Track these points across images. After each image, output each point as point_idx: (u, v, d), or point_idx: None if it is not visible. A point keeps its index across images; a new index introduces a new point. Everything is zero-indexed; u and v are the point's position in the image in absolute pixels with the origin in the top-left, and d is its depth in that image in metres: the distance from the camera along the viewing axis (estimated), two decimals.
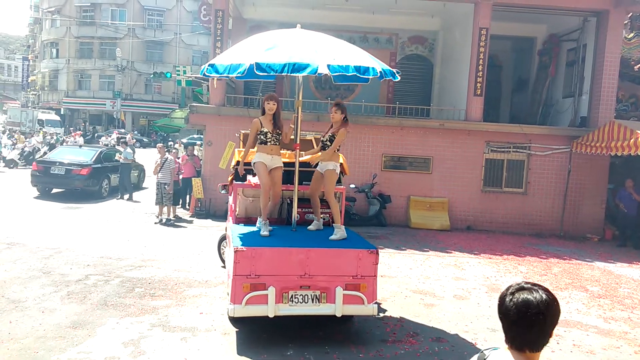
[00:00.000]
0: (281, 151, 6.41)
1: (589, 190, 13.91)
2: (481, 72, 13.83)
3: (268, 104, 6.20)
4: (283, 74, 5.62)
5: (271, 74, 5.57)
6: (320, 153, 6.41)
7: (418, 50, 18.55)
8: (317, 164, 6.43)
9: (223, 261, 8.62)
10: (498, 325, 6.53)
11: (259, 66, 5.40)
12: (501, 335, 6.39)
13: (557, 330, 6.36)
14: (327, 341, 5.78)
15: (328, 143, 6.27)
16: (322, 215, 6.49)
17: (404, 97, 17.31)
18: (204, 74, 6.08)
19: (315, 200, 6.43)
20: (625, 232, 13.02)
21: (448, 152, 13.87)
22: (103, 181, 15.87)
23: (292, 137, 6.42)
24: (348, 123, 6.36)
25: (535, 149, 13.90)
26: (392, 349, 5.69)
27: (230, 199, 7.52)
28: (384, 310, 6.94)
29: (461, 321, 6.68)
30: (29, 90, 61.09)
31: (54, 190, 16.00)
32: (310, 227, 6.40)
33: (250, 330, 5.96)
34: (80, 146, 19.57)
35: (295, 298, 5.55)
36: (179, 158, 14.33)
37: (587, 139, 13.00)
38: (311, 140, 7.14)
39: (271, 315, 5.47)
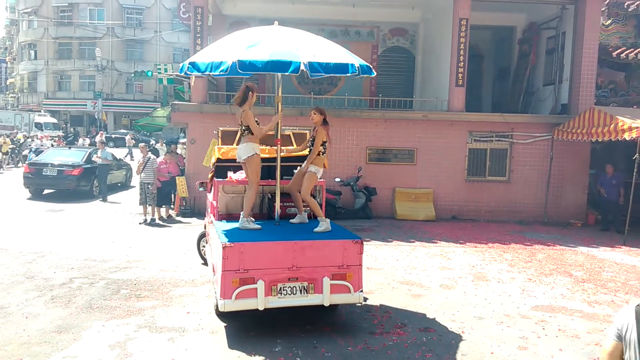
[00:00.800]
0: (261, 147, 6.45)
1: (571, 176, 14.07)
2: (462, 63, 13.89)
3: (255, 93, 6.34)
4: (265, 72, 5.70)
5: (253, 72, 5.62)
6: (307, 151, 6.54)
7: (399, 43, 18.56)
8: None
9: (203, 259, 8.67)
10: (485, 313, 6.63)
11: (241, 64, 5.45)
12: (487, 322, 6.41)
13: (542, 316, 6.49)
14: (315, 335, 5.79)
15: (309, 144, 6.53)
16: (304, 209, 6.57)
17: (387, 90, 17.33)
18: (185, 73, 6.06)
19: (296, 195, 6.51)
20: (607, 217, 13.20)
21: (432, 143, 13.93)
22: (94, 181, 15.89)
23: (272, 132, 6.45)
24: (328, 125, 6.49)
25: (518, 138, 14.02)
26: (380, 340, 5.71)
27: (210, 196, 7.58)
28: (366, 299, 6.96)
29: (448, 310, 6.73)
30: (7, 92, 60.07)
31: (46, 191, 16.35)
32: (294, 220, 6.51)
33: (239, 328, 5.94)
34: (70, 147, 19.52)
35: (283, 290, 5.65)
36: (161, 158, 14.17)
37: (568, 125, 13.14)
38: (289, 135, 7.14)
39: (261, 308, 5.54)
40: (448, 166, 13.96)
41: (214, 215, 6.98)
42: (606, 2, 15.37)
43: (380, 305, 6.88)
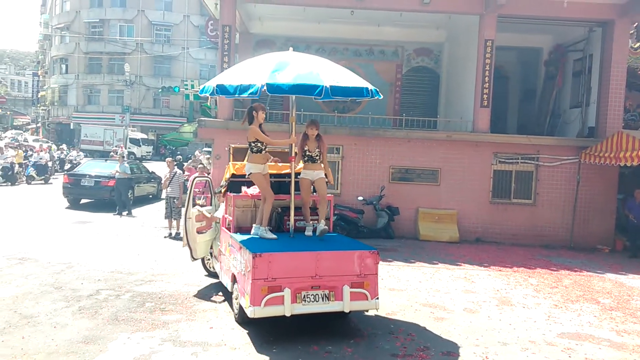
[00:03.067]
0: (270, 163, 7.16)
1: (598, 201, 13.84)
2: (487, 84, 13.87)
3: (262, 112, 6.95)
4: (291, 95, 6.40)
5: (280, 94, 6.20)
6: (301, 162, 7.16)
7: (424, 62, 18.64)
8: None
9: (208, 271, 8.87)
10: (509, 338, 6.55)
11: (270, 87, 5.96)
12: (512, 348, 6.35)
13: (568, 343, 6.39)
14: (337, 356, 5.77)
15: (311, 157, 7.04)
16: (311, 222, 7.16)
17: (411, 109, 17.38)
18: (212, 93, 6.43)
19: (308, 208, 7.15)
20: (636, 243, 12.92)
21: (456, 164, 13.86)
22: (127, 192, 16.30)
23: (286, 149, 7.29)
24: (322, 137, 7.19)
25: (544, 160, 13.87)
26: None
27: (220, 210, 8.15)
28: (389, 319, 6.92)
29: (472, 335, 6.65)
30: (39, 105, 61.81)
31: (83, 201, 17.28)
32: (308, 233, 7.04)
33: (260, 345, 5.97)
34: (106, 160, 20.23)
35: (307, 297, 6.06)
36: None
37: (595, 149, 12.96)
38: (297, 152, 7.43)
39: (288, 314, 5.92)
40: (472, 187, 13.86)
41: (228, 229, 7.37)
42: (634, 25, 15.25)
43: (403, 327, 6.83)
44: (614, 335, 6.90)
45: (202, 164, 13.77)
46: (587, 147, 13.38)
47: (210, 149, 21.63)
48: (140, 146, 40.44)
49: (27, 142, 38.96)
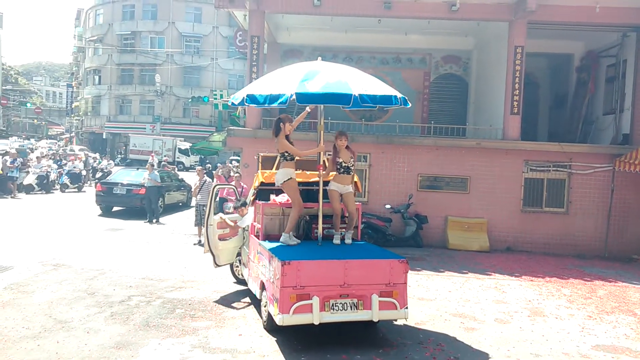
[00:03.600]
0: (297, 171, 7.21)
1: (634, 209, 13.46)
2: (517, 90, 13.68)
3: (289, 124, 7.00)
4: (321, 104, 6.51)
5: (310, 104, 6.37)
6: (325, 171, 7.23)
7: (452, 70, 18.52)
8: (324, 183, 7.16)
9: (236, 278, 8.94)
10: (542, 350, 6.40)
11: (299, 96, 6.04)
12: None
13: (603, 356, 6.23)
14: None
15: (349, 166, 7.12)
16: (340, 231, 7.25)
17: (439, 117, 17.26)
18: (243, 103, 6.52)
19: (339, 217, 7.18)
20: None
21: (486, 172, 13.68)
22: (157, 199, 16.53)
23: (314, 158, 7.32)
24: (350, 147, 7.27)
25: (576, 168, 13.58)
26: None
27: (247, 218, 8.29)
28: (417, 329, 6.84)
29: (503, 346, 6.52)
30: (72, 115, 63.57)
31: (115, 209, 17.68)
32: (336, 241, 7.08)
33: (289, 354, 5.97)
34: (138, 168, 20.67)
35: (336, 306, 6.05)
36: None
37: (630, 157, 12.62)
38: (324, 160, 7.54)
39: (316, 323, 5.92)
40: (503, 196, 13.65)
41: (257, 236, 7.45)
42: None
43: (433, 337, 6.75)
44: None
45: (238, 173, 13.87)
46: (622, 155, 13.04)
47: (238, 158, 21.91)
48: (189, 156, 41.08)
49: (74, 151, 39.90)
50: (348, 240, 7.21)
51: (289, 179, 6.89)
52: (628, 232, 13.46)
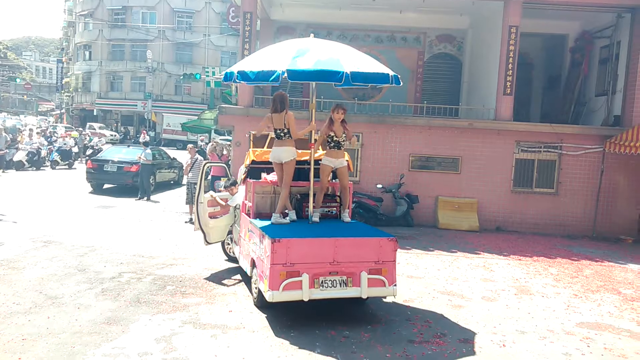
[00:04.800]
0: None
1: (622, 191, 13.59)
2: (511, 71, 13.65)
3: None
4: (312, 81, 6.43)
5: (301, 80, 6.28)
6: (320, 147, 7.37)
7: (446, 49, 18.39)
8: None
9: (228, 256, 9.00)
10: (527, 327, 6.51)
11: (291, 73, 6.01)
12: (530, 337, 6.34)
13: (587, 333, 6.34)
14: (354, 341, 5.82)
15: (334, 142, 7.10)
16: (328, 210, 7.35)
17: (432, 97, 17.21)
18: (234, 81, 6.46)
19: (322, 194, 7.20)
20: None
21: (477, 152, 13.72)
22: (149, 177, 16.49)
23: (305, 137, 7.23)
24: (346, 123, 7.19)
25: (567, 149, 13.64)
26: (419, 349, 5.70)
27: (238, 196, 8.23)
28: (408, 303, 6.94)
29: (489, 323, 6.64)
30: (62, 92, 62.81)
31: (105, 186, 17.57)
32: (315, 219, 7.05)
33: (279, 329, 6.05)
34: (129, 145, 20.57)
35: (325, 283, 6.15)
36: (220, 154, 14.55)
37: (620, 138, 12.70)
38: (316, 139, 7.47)
39: (306, 299, 6.02)
40: (493, 176, 13.72)
41: (247, 214, 7.47)
42: None
43: (420, 314, 6.85)
44: (634, 326, 6.82)
45: (227, 149, 13.81)
46: (612, 136, 13.11)
47: (224, 137, 21.80)
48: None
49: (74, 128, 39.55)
50: (346, 219, 7.26)
51: (293, 158, 6.91)
52: (616, 213, 13.60)
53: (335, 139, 7.10)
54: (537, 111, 17.94)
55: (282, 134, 6.94)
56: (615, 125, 13.76)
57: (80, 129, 38.11)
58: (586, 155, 13.62)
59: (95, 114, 49.46)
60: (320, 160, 7.23)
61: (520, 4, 13.48)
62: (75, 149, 24.98)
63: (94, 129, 41.49)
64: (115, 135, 41.10)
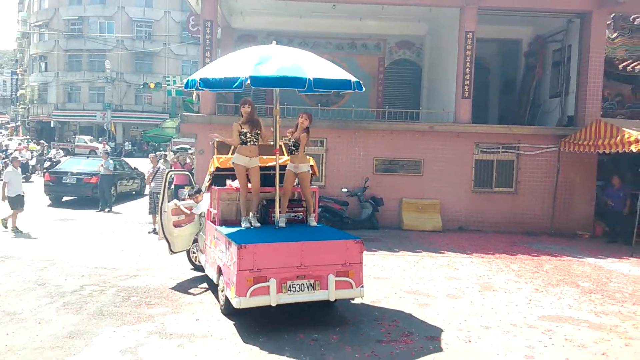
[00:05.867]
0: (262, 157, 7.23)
1: (578, 188, 14.09)
2: (468, 75, 14.00)
3: (243, 107, 7.03)
4: (275, 87, 6.49)
5: (264, 87, 6.27)
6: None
7: (406, 55, 18.73)
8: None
9: (193, 264, 8.93)
10: (491, 322, 6.66)
11: (253, 79, 5.96)
12: (494, 332, 6.47)
13: (548, 325, 6.53)
14: (323, 344, 5.84)
15: (293, 147, 7.16)
16: (294, 214, 7.32)
17: (394, 102, 17.49)
18: (197, 88, 6.43)
19: (287, 199, 7.20)
20: (615, 229, 13.18)
21: (438, 154, 14.00)
22: (110, 188, 16.18)
23: (271, 142, 7.30)
24: (309, 132, 7.21)
25: (524, 149, 14.07)
26: (388, 348, 5.76)
27: (202, 204, 8.25)
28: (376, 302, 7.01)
29: (455, 319, 6.77)
30: (18, 104, 60.87)
31: (65, 198, 17.12)
32: (281, 224, 7.04)
33: (247, 335, 6.02)
34: (87, 157, 20.06)
35: (293, 287, 6.13)
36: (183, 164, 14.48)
37: (574, 137, 13.18)
38: (281, 145, 7.57)
39: (274, 304, 6.00)
40: (455, 177, 14.02)
41: (213, 222, 7.41)
42: (612, 16, 15.46)
43: (388, 314, 6.93)
44: (592, 317, 7.07)
45: (190, 158, 13.74)
46: (567, 136, 13.59)
47: (182, 146, 21.60)
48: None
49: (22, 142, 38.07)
50: (313, 223, 7.28)
51: (237, 163, 7.01)
52: (573, 209, 14.08)
53: (292, 140, 7.20)
54: (495, 114, 18.44)
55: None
56: (569, 125, 14.28)
57: (42, 141, 36.95)
58: (542, 154, 14.07)
59: (52, 125, 48.09)
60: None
61: (475, 10, 13.87)
62: (32, 162, 24.24)
63: (85, 142, 40.13)
64: (106, 149, 39.74)
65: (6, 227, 11.79)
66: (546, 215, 14.06)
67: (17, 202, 11.86)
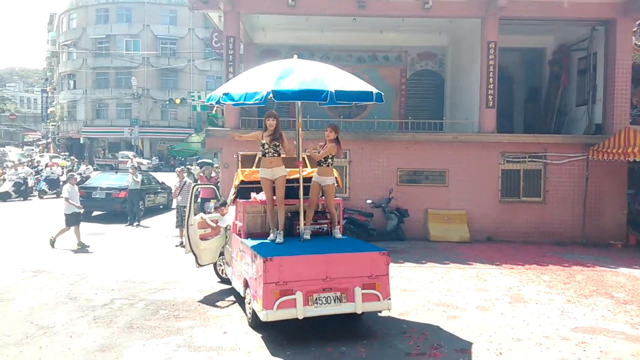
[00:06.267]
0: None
1: (608, 196, 13.79)
2: (492, 85, 13.90)
3: (268, 120, 7.02)
4: (297, 100, 6.52)
5: (286, 100, 6.28)
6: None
7: (428, 66, 18.70)
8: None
9: (220, 277, 8.98)
10: (523, 334, 6.54)
11: (276, 93, 6.04)
12: (526, 344, 6.34)
13: (582, 337, 6.38)
14: (351, 357, 5.80)
15: (322, 160, 7.16)
16: (319, 226, 7.33)
17: (417, 112, 17.42)
18: (218, 102, 6.55)
19: (312, 211, 7.23)
20: None
21: (463, 165, 13.87)
22: (139, 202, 16.37)
23: (294, 155, 7.32)
24: (340, 143, 7.25)
25: (552, 158, 13.85)
26: None
27: (228, 217, 8.28)
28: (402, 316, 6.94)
29: (485, 332, 6.66)
30: (48, 121, 62.51)
31: (94, 213, 17.27)
32: (306, 237, 7.06)
33: (275, 347, 6.01)
34: (117, 172, 20.43)
35: (319, 300, 6.10)
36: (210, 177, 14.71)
37: (603, 146, 12.94)
38: (304, 157, 7.63)
39: (300, 317, 5.97)
40: (481, 187, 13.86)
41: (238, 234, 7.46)
42: (637, 23, 15.21)
43: (416, 326, 6.85)
44: (628, 328, 6.88)
45: (215, 171, 13.95)
46: (595, 144, 13.35)
47: (205, 160, 21.89)
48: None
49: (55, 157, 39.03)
50: (338, 235, 7.27)
51: (262, 176, 7.09)
52: (603, 218, 13.78)
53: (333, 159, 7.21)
54: (520, 123, 18.23)
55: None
56: (597, 134, 14.02)
57: (72, 157, 37.83)
58: (570, 163, 13.83)
59: (82, 142, 49.27)
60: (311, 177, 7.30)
61: (496, 20, 13.80)
62: (63, 178, 24.80)
63: (129, 157, 40.99)
64: (150, 164, 40.49)
65: (54, 246, 12.05)
66: (576, 224, 13.78)
67: (73, 219, 12.12)
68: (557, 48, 16.51)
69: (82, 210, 12.40)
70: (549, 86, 16.94)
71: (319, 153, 7.23)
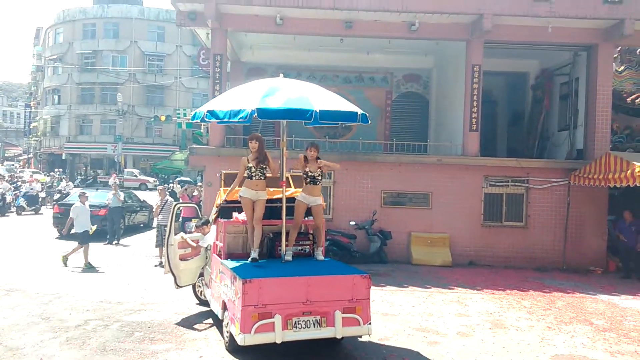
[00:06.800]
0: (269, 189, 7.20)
1: (589, 222, 13.89)
2: (476, 108, 14.03)
3: (251, 142, 7.03)
4: (282, 119, 6.55)
5: (271, 119, 6.30)
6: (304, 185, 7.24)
7: (413, 88, 18.90)
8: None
9: (199, 299, 8.81)
10: None
11: (260, 111, 5.99)
12: None
13: None
14: None
15: (316, 176, 7.09)
16: (301, 247, 7.24)
17: (401, 134, 17.53)
18: (202, 120, 6.47)
19: (296, 231, 7.13)
20: (629, 264, 12.92)
21: (447, 187, 13.91)
22: (119, 220, 16.12)
23: (278, 175, 7.26)
24: (321, 160, 7.21)
25: (534, 183, 13.95)
26: None
27: (209, 236, 8.17)
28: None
29: (465, 358, 6.58)
30: (30, 136, 61.75)
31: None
32: (287, 258, 6.93)
33: None
34: (97, 189, 20.12)
35: (298, 324, 5.98)
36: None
37: (584, 171, 13.07)
38: (287, 177, 7.53)
39: (279, 342, 5.82)
40: (464, 210, 13.88)
41: (219, 255, 7.31)
42: (618, 49, 15.55)
43: (397, 352, 6.75)
44: (607, 357, 6.85)
45: (198, 190, 13.82)
46: (576, 169, 13.49)
47: (184, 179, 21.73)
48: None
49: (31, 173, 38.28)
50: (320, 257, 7.18)
51: (243, 196, 7.05)
52: (584, 244, 13.85)
53: (310, 174, 7.10)
54: (503, 146, 18.42)
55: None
56: (579, 159, 14.19)
57: (53, 173, 37.20)
58: (552, 188, 13.94)
59: (63, 157, 48.64)
60: (295, 197, 7.22)
61: (481, 44, 14.00)
62: (42, 194, 24.40)
63: (135, 175, 40.26)
64: (156, 182, 39.73)
65: (66, 265, 11.78)
66: (557, 250, 13.84)
67: (85, 238, 11.87)
68: (540, 72, 16.78)
69: (92, 230, 12.17)
70: (531, 110, 17.18)
71: (305, 173, 7.12)
